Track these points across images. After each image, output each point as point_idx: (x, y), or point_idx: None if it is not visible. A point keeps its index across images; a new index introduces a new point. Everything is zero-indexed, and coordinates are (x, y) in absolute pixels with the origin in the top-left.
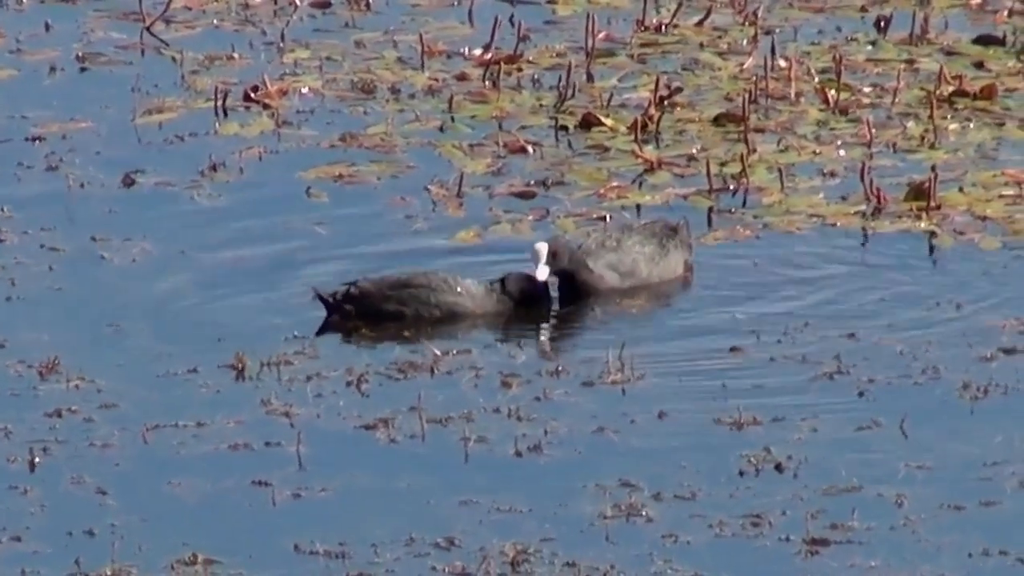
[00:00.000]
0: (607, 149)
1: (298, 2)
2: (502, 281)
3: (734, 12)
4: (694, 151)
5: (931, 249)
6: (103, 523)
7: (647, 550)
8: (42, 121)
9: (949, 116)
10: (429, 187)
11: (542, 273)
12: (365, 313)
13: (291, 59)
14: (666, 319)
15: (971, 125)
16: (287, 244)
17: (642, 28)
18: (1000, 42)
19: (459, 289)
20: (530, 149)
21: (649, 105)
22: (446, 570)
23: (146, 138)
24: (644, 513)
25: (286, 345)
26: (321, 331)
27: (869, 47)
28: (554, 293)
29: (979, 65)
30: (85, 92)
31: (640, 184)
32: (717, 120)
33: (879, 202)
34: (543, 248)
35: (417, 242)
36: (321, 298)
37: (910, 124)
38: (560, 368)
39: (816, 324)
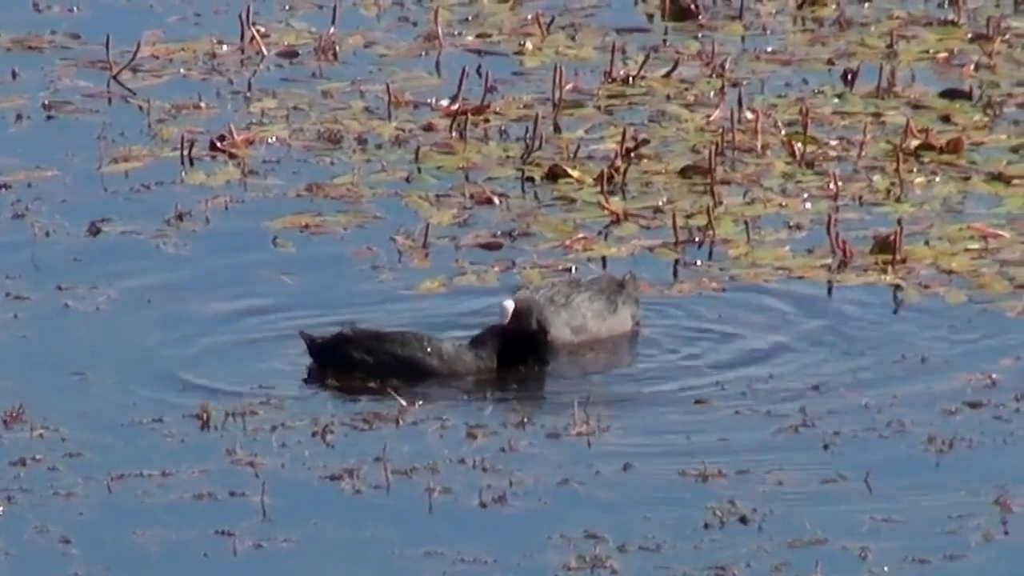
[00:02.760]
0: (573, 200)
1: (265, 52)
2: (480, 340)
3: (701, 64)
4: (660, 203)
5: (896, 302)
6: (67, 572)
7: None
8: (8, 169)
9: (915, 169)
10: (395, 237)
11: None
12: (337, 359)
13: (258, 108)
14: (631, 372)
15: (937, 179)
16: (253, 294)
17: (609, 80)
18: (967, 96)
19: (428, 349)
20: (496, 200)
21: (616, 157)
22: None
23: (112, 187)
24: (609, 565)
25: (251, 395)
26: (286, 381)
27: (836, 100)
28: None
29: (946, 119)
30: (51, 140)
31: (606, 236)
32: (683, 172)
33: (845, 255)
34: (510, 306)
35: (383, 292)
36: (307, 342)
37: (876, 177)
38: (525, 420)
39: (781, 377)
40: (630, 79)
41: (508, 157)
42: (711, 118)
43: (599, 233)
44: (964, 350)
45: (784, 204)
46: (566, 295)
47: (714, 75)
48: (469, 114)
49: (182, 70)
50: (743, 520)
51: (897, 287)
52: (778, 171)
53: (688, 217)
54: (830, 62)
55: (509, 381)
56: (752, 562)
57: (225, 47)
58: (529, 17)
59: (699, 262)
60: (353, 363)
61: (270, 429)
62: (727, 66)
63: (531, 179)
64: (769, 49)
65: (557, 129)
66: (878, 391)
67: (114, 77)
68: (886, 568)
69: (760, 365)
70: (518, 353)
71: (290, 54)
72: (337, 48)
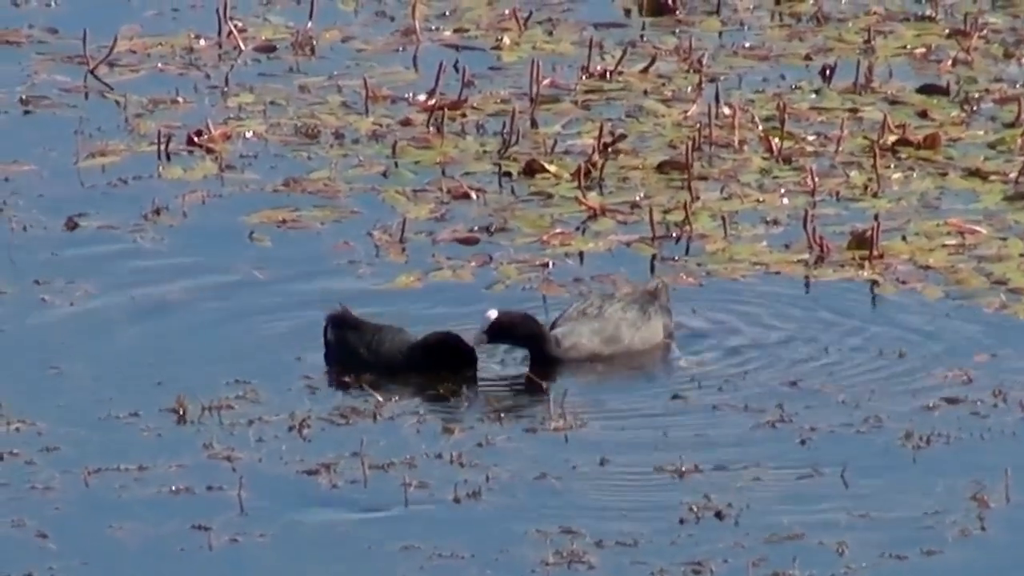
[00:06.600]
0: (550, 196)
1: (243, 46)
2: (421, 346)
3: (679, 59)
4: (637, 198)
5: (874, 298)
6: (43, 566)
7: None
8: None
9: (892, 165)
10: (372, 232)
11: (491, 314)
12: (325, 338)
13: (235, 103)
14: (608, 366)
15: (914, 174)
16: (230, 289)
17: (587, 75)
18: (944, 91)
19: (372, 343)
20: (473, 195)
21: (593, 152)
22: None
23: (89, 181)
24: (586, 560)
25: (228, 389)
26: (263, 376)
27: (813, 95)
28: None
29: (923, 114)
30: (28, 135)
31: (583, 231)
32: (661, 167)
33: (822, 250)
34: (492, 315)
35: (360, 287)
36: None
37: (853, 173)
38: (502, 414)
39: (758, 372)
40: (607, 74)
41: (485, 152)
42: (688, 113)
43: (576, 228)
44: (941, 346)
45: (761, 199)
46: (598, 306)
47: (691, 70)
48: (446, 109)
49: (159, 65)
50: (719, 515)
51: (874, 282)
52: (755, 166)
53: (665, 212)
54: (807, 57)
55: (486, 376)
56: (729, 558)
57: (202, 42)
58: (507, 12)
59: (676, 257)
60: (327, 345)
61: (247, 423)
62: (704, 61)
63: (508, 174)
64: (746, 44)
65: (534, 124)
66: (855, 386)
67: (91, 72)
68: (863, 563)
69: (737, 360)
70: (445, 362)
71: (267, 49)
72: (314, 43)
